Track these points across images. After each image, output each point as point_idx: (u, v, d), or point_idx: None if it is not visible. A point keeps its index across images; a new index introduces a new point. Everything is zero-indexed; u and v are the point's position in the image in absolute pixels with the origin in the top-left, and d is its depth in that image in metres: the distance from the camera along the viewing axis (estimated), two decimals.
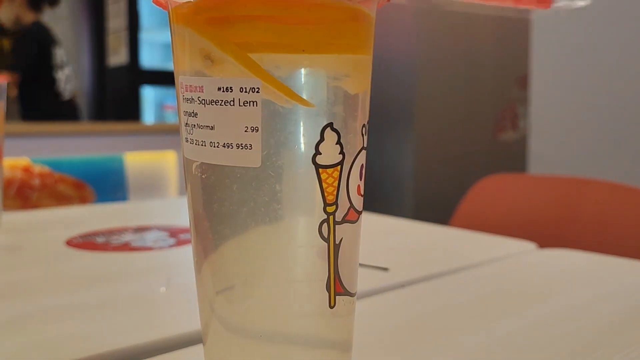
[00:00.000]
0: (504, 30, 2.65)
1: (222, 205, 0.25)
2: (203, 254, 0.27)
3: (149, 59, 3.59)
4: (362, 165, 0.27)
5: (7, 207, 1.82)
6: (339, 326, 0.28)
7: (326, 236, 0.25)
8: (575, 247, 0.66)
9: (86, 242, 0.66)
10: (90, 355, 0.35)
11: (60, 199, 1.92)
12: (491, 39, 2.66)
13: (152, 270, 0.56)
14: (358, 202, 0.27)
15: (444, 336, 0.38)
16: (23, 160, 1.89)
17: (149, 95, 3.70)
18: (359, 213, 0.27)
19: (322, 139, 0.24)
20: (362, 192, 0.27)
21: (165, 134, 2.24)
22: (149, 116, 3.73)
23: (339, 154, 0.25)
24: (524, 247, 0.65)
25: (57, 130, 2.03)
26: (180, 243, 0.66)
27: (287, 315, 0.26)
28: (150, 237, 0.69)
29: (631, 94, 1.50)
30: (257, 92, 0.24)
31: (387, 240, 0.70)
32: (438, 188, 2.56)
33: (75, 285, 0.51)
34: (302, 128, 0.24)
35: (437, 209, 2.39)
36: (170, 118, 3.73)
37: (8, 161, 1.86)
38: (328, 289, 0.26)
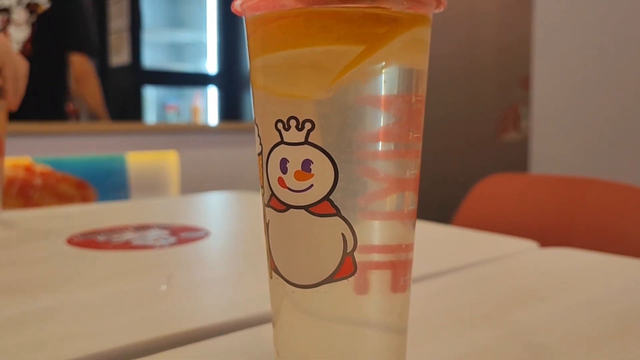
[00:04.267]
0: (507, 30, 2.65)
1: None
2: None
3: (151, 59, 3.59)
4: (284, 159, 0.27)
5: (9, 206, 1.82)
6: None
7: (262, 212, 0.29)
8: (576, 246, 0.66)
9: (87, 241, 0.66)
10: (91, 353, 0.35)
11: (62, 199, 1.92)
12: (494, 39, 2.65)
13: (153, 269, 0.56)
14: (283, 194, 0.27)
15: (446, 334, 0.38)
16: (25, 160, 1.89)
17: (150, 95, 3.70)
18: (285, 206, 0.27)
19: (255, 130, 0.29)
20: (288, 186, 0.27)
21: (167, 133, 2.24)
22: (150, 116, 3.73)
23: (259, 144, 0.28)
24: (526, 246, 0.65)
25: (59, 129, 2.03)
26: (181, 241, 0.66)
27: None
28: (151, 236, 0.69)
29: (633, 94, 1.50)
30: None
31: None
32: (440, 187, 2.56)
33: (76, 284, 0.51)
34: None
35: (439, 208, 2.39)
36: (172, 118, 3.73)
37: (10, 160, 1.86)
38: (267, 258, 0.29)
